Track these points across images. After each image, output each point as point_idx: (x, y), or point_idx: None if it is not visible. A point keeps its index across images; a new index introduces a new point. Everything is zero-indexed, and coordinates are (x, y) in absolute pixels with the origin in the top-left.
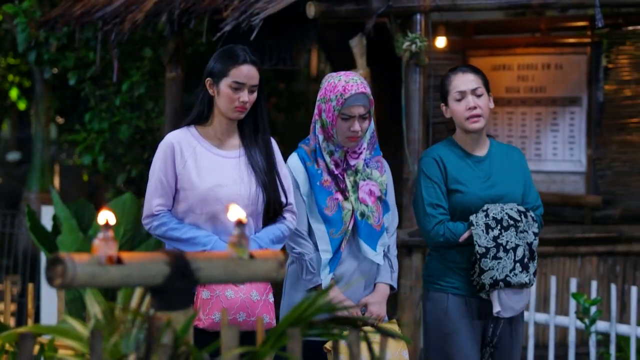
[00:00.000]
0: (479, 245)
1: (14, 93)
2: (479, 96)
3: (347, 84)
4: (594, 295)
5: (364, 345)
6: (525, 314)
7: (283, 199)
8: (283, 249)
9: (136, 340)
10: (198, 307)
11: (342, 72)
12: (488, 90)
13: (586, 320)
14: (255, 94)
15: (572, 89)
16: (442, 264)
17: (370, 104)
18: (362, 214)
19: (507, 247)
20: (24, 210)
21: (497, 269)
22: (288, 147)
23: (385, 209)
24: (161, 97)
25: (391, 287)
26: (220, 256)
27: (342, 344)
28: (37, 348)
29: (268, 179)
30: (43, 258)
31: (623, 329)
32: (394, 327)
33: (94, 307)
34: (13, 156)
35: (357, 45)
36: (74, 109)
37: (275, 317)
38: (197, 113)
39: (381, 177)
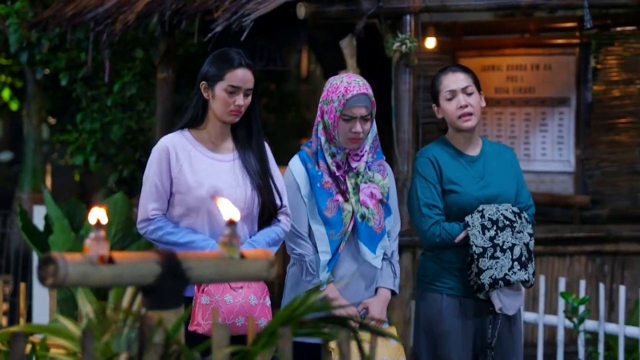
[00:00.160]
0: (476, 246)
1: (6, 93)
2: (469, 95)
3: (349, 85)
4: (582, 294)
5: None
6: None
7: (277, 202)
8: (283, 249)
9: (128, 339)
10: (196, 313)
11: (345, 74)
12: (479, 88)
13: (575, 319)
14: (249, 98)
15: (561, 89)
16: (436, 264)
17: (372, 105)
18: (363, 216)
19: (504, 246)
20: (16, 210)
21: (495, 268)
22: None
23: (386, 212)
24: (152, 98)
25: (393, 293)
26: (212, 256)
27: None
28: (29, 347)
29: (263, 181)
30: (35, 257)
31: (611, 327)
32: (392, 331)
33: (86, 307)
34: (5, 156)
35: (347, 46)
36: (65, 109)
37: None
38: (191, 116)
39: (383, 180)
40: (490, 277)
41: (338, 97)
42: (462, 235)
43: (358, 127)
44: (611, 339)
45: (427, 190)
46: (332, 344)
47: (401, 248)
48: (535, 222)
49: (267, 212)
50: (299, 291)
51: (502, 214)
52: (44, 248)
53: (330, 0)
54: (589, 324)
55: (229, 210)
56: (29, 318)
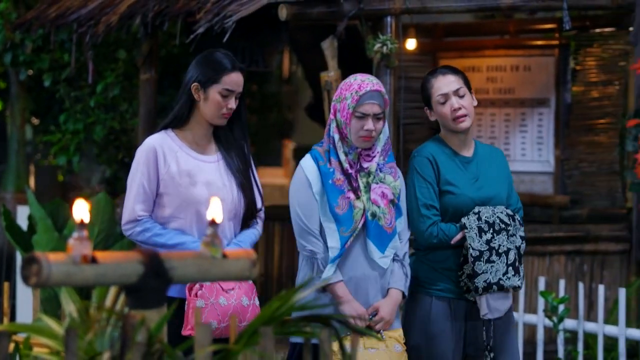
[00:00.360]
0: (473, 249)
1: None
2: (461, 96)
3: (363, 82)
4: (562, 293)
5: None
6: None
7: (259, 203)
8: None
9: (111, 338)
10: (191, 317)
11: (359, 74)
12: (469, 88)
13: (554, 318)
14: (238, 100)
15: (541, 90)
16: (426, 266)
17: (385, 104)
18: (373, 215)
19: (500, 250)
20: (0, 210)
21: (490, 273)
22: (261, 148)
23: (398, 213)
24: (135, 98)
25: (403, 295)
26: (194, 255)
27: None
28: (12, 346)
29: (246, 182)
30: (19, 257)
31: (590, 326)
32: (396, 334)
33: (69, 306)
34: None
35: (329, 47)
36: (49, 110)
37: None
38: (175, 117)
39: (394, 181)
40: (485, 281)
41: (351, 93)
42: (458, 237)
43: (370, 125)
44: (590, 338)
45: (425, 190)
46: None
47: None
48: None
49: (250, 213)
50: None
51: (497, 216)
52: (27, 248)
53: (311, 2)
54: (569, 323)
55: (213, 210)
56: (12, 317)
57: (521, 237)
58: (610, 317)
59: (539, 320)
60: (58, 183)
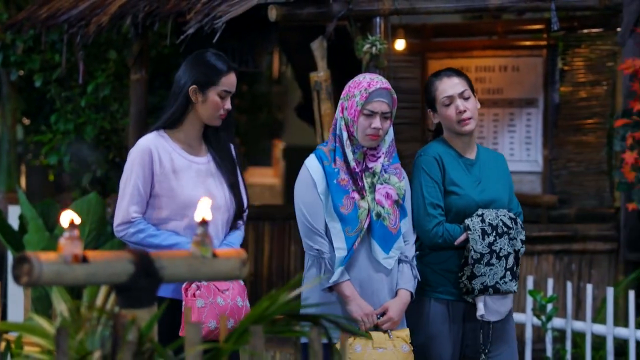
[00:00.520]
0: (475, 251)
1: None
2: (466, 99)
3: (372, 80)
4: (550, 292)
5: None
6: None
7: (245, 204)
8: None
9: (101, 337)
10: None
11: (367, 73)
12: (473, 91)
13: (543, 317)
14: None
15: (529, 90)
16: (426, 268)
17: (394, 103)
18: (378, 215)
19: (500, 254)
20: None
21: (488, 275)
22: (251, 148)
23: (402, 214)
24: (126, 99)
25: (411, 296)
26: (184, 255)
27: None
28: (3, 345)
29: (236, 182)
30: (10, 257)
31: (579, 325)
32: (403, 334)
33: (60, 305)
34: None
35: (318, 47)
36: (40, 110)
37: None
38: (169, 118)
39: (399, 182)
40: (482, 284)
41: (360, 91)
42: (462, 238)
43: (378, 123)
44: (578, 337)
45: (432, 189)
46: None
47: None
48: None
49: (239, 213)
50: (315, 290)
51: (500, 219)
52: (18, 247)
53: (301, 3)
54: (557, 322)
55: (202, 209)
56: (3, 316)
57: (522, 240)
58: (598, 316)
59: (528, 319)
60: (49, 183)
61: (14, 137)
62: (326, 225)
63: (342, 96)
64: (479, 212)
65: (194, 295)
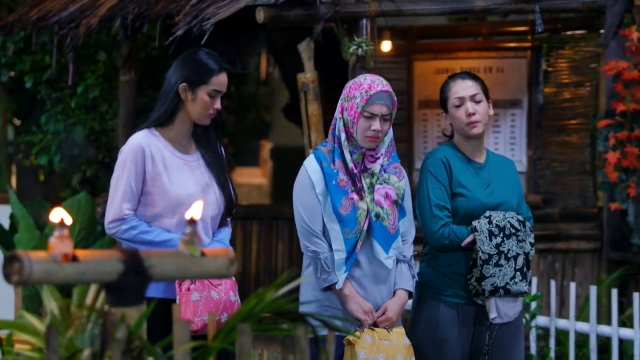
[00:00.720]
0: (482, 252)
1: None
2: (478, 102)
3: (373, 82)
4: (534, 291)
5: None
6: None
7: (234, 201)
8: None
9: (91, 335)
10: (184, 312)
11: (368, 74)
12: (487, 96)
13: (527, 315)
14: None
15: (513, 91)
16: (435, 271)
17: (394, 105)
18: (377, 215)
19: (509, 255)
20: None
21: (498, 276)
22: (238, 148)
23: (401, 214)
24: (115, 100)
25: (409, 295)
26: (173, 254)
27: (353, 338)
28: None
29: (224, 180)
30: (0, 256)
31: (562, 323)
32: (400, 331)
33: (50, 303)
34: None
35: (305, 49)
36: (30, 111)
37: None
38: (160, 116)
39: (399, 182)
40: (492, 285)
41: (361, 93)
42: (469, 239)
43: (377, 125)
44: (562, 335)
45: (438, 191)
46: (349, 338)
47: None
48: None
49: (228, 211)
50: (315, 291)
51: (508, 221)
52: (9, 246)
53: (288, 5)
54: (541, 320)
55: (192, 209)
56: None
57: (531, 243)
58: (582, 314)
59: None
60: (39, 183)
61: (4, 137)
62: (325, 226)
63: (342, 97)
64: (487, 213)
65: (188, 289)
